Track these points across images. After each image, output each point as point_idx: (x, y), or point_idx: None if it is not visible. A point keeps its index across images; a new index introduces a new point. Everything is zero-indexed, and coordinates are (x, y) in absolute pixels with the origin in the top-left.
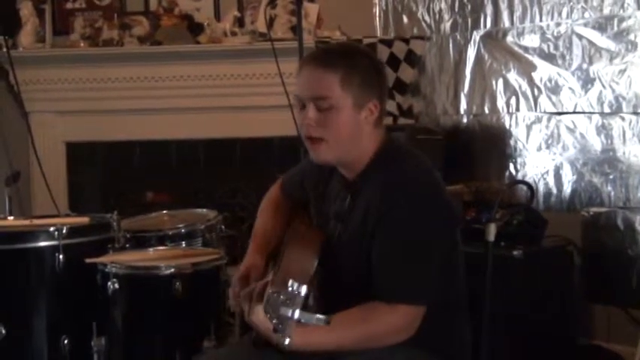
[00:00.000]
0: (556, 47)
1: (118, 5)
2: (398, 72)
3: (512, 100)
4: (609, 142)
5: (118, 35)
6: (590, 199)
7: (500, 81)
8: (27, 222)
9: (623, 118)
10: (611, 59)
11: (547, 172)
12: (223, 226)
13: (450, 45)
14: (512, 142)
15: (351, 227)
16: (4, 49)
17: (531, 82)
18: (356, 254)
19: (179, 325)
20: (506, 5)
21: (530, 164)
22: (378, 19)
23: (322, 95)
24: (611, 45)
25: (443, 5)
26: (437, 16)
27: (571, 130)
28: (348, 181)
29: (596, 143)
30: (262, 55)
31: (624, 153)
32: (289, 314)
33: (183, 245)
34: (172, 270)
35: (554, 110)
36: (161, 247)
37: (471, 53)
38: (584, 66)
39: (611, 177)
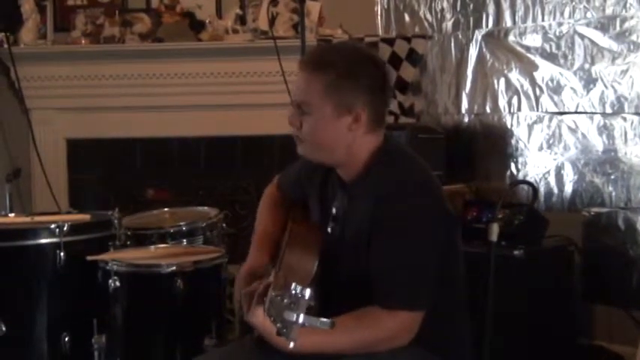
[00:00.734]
0: (558, 47)
1: (119, 2)
2: (399, 71)
3: (514, 100)
4: (611, 142)
5: (119, 32)
6: (591, 200)
7: (502, 80)
8: (28, 219)
9: (624, 119)
10: (614, 59)
11: (548, 172)
12: (224, 224)
13: (452, 44)
14: (513, 142)
15: (348, 230)
16: (6, 46)
17: (533, 82)
18: (353, 257)
19: (180, 323)
20: (509, 5)
21: (532, 164)
22: (379, 17)
23: (302, 99)
24: (614, 45)
25: (445, 4)
26: (439, 15)
27: (573, 130)
28: (345, 183)
29: (598, 143)
30: (264, 53)
31: (626, 153)
32: (294, 319)
33: (185, 243)
34: (173, 268)
35: (556, 110)
36: (162, 245)
37: (473, 52)
38: (586, 66)
39: (612, 177)
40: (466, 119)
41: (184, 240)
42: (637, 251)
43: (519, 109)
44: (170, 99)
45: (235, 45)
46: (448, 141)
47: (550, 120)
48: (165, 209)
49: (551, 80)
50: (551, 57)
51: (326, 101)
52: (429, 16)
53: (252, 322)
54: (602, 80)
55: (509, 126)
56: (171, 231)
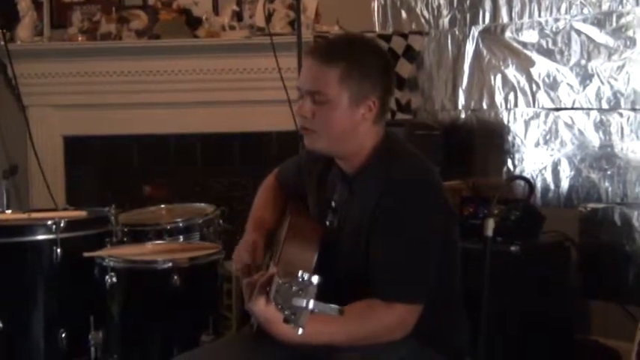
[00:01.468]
0: (554, 43)
1: None
2: (396, 67)
3: (511, 96)
4: (607, 138)
5: (115, 29)
6: (587, 195)
7: (499, 76)
8: (25, 216)
9: (621, 114)
10: (610, 55)
11: (545, 167)
12: (221, 221)
13: (449, 40)
14: (510, 138)
15: (347, 222)
16: (2, 43)
17: (529, 78)
18: (351, 249)
19: (177, 319)
20: (505, 1)
21: (528, 160)
22: (376, 14)
23: (318, 90)
24: (610, 41)
25: (441, 0)
26: (435, 12)
27: (569, 126)
28: (346, 175)
29: (594, 139)
30: (260, 49)
31: (622, 149)
32: (303, 304)
33: (181, 239)
34: (170, 264)
35: (553, 106)
36: (159, 241)
37: (470, 49)
38: (583, 62)
39: (608, 173)
40: (463, 115)
41: (181, 236)
42: (633, 247)
43: (516, 105)
44: (167, 96)
45: (232, 41)
46: (445, 137)
47: (546, 116)
48: (162, 206)
49: (548, 76)
50: (547, 53)
51: (342, 91)
52: (425, 12)
53: (254, 311)
54: (598, 76)
55: (505, 122)
56: (168, 227)
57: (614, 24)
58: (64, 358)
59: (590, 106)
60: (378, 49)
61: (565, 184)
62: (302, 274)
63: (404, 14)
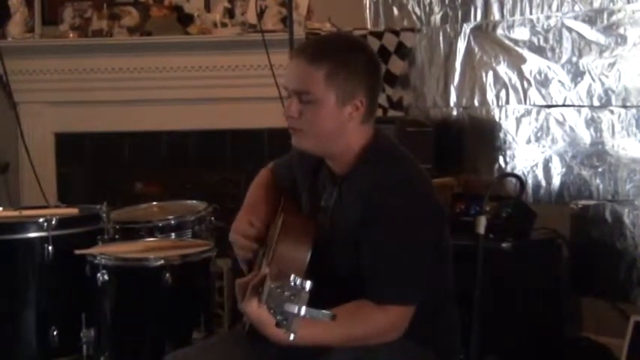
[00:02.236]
0: (546, 40)
1: None
2: (388, 64)
3: (502, 93)
4: (598, 135)
5: (107, 26)
6: (578, 192)
7: (490, 74)
8: (16, 213)
9: (612, 112)
10: (601, 52)
11: (536, 164)
12: (213, 218)
13: (440, 37)
14: (501, 135)
15: (337, 223)
16: None
17: (521, 75)
18: (341, 250)
19: (168, 316)
20: None
21: (520, 157)
22: (368, 10)
23: (304, 89)
24: (601, 38)
25: None
26: (427, 9)
27: (560, 123)
28: (335, 175)
29: (586, 136)
30: (252, 46)
31: (613, 146)
32: (295, 310)
33: (173, 237)
34: (162, 261)
35: (544, 103)
36: (150, 239)
37: (461, 46)
38: (574, 59)
39: (599, 170)
40: (454, 112)
41: (173, 234)
42: (624, 243)
43: (507, 102)
44: (158, 92)
45: (224, 38)
46: (436, 134)
47: (538, 113)
48: (154, 203)
49: (539, 73)
50: (539, 50)
51: (329, 90)
52: (417, 9)
53: (247, 313)
54: (589, 73)
55: (497, 119)
56: (160, 225)
57: (606, 21)
58: (56, 355)
59: (581, 104)
60: (366, 48)
61: (556, 181)
62: (294, 279)
63: (396, 11)
